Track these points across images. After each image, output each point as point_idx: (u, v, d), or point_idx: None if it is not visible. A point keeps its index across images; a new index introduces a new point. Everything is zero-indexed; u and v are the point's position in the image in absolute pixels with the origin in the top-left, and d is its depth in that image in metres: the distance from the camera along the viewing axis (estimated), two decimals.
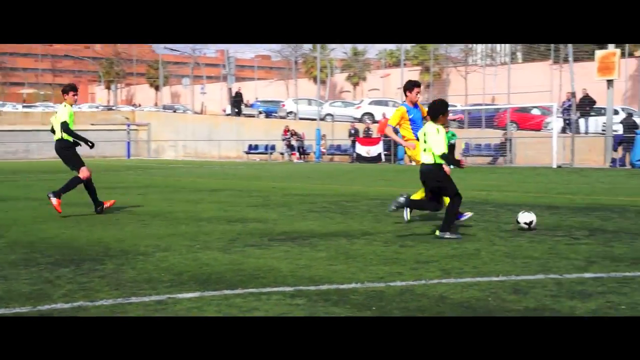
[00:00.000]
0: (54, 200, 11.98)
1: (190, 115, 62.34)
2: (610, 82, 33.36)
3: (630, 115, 34.03)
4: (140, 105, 78.37)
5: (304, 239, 9.05)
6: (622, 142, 32.27)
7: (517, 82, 41.59)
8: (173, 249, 8.39)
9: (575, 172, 27.51)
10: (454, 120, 40.68)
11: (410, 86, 10.97)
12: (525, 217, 9.70)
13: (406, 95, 11.03)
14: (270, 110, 56.02)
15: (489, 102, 47.34)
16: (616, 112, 35.48)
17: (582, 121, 36.32)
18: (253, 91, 66.32)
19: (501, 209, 12.53)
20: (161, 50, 76.23)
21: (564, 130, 36.08)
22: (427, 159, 9.31)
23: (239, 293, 5.94)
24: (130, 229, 10.30)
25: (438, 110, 9.36)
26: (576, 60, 37.87)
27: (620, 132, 33.23)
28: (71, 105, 12.36)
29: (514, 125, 39.38)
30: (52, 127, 12.47)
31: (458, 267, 7.06)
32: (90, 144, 12.13)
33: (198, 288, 6.15)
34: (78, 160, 12.37)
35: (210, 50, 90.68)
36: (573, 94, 35.50)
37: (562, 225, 10.34)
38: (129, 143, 57.81)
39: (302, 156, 45.10)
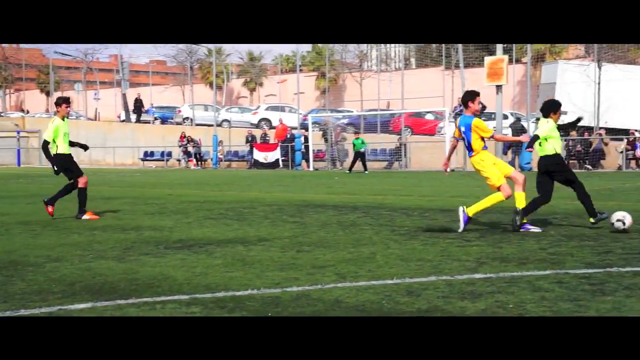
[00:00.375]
0: (86, 216, 12.41)
1: (84, 122, 60.86)
2: (499, 88, 34.42)
3: (518, 119, 35.22)
4: (29, 112, 75.93)
5: (200, 247, 8.99)
6: (512, 146, 33.34)
7: (410, 87, 42.43)
8: (65, 259, 8.19)
9: (467, 175, 28.23)
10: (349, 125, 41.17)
11: (472, 97, 10.30)
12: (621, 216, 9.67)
13: (468, 107, 10.29)
14: (166, 117, 55.36)
15: (384, 108, 48.13)
16: (505, 117, 36.65)
17: None
18: (148, 97, 65.28)
19: (396, 213, 12.76)
20: (52, 54, 74.11)
21: None
22: (545, 151, 10.29)
23: (133, 302, 5.85)
24: (20, 240, 9.99)
25: (549, 109, 10.37)
26: (466, 66, 38.97)
27: None
28: (63, 118, 12.73)
29: (409, 130, 40.16)
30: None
31: (353, 271, 7.16)
32: (55, 171, 12.62)
33: (90, 298, 6.03)
34: (77, 171, 12.70)
35: (103, 55, 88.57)
36: None
37: (455, 227, 10.61)
38: (19, 150, 56.07)
39: (199, 163, 44.74)
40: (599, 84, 33.92)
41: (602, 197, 14.20)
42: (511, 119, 36.49)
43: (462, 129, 10.29)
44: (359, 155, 33.05)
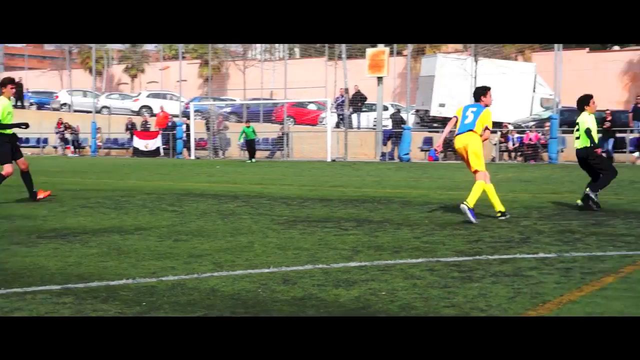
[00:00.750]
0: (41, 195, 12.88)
1: None
2: (380, 79, 35.03)
3: (398, 111, 35.91)
4: None
5: (74, 236, 8.79)
6: (391, 136, 34.07)
7: (294, 77, 42.49)
8: None
9: (347, 165, 28.67)
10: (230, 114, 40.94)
11: (484, 91, 10.61)
12: None
13: (481, 100, 10.55)
14: (42, 102, 53.57)
15: (267, 97, 48.12)
16: (386, 108, 37.35)
17: (354, 116, 37.88)
18: (24, 82, 63.11)
19: (276, 202, 12.83)
20: None
21: (337, 125, 37.47)
22: (581, 144, 11.47)
23: (2, 293, 5.68)
24: None
25: (582, 103, 11.64)
26: (349, 57, 39.39)
27: (390, 127, 35.05)
28: (8, 98, 12.46)
29: (291, 119, 40.33)
30: None
31: (231, 260, 7.17)
32: (24, 126, 12.87)
33: None
34: (6, 157, 12.63)
35: None
36: (346, 90, 36.94)
37: (333, 217, 10.77)
38: None
39: (77, 150, 43.57)
40: (475, 77, 34.95)
41: None
42: (391, 110, 37.19)
43: (473, 109, 10.45)
44: (251, 143, 33.18)
